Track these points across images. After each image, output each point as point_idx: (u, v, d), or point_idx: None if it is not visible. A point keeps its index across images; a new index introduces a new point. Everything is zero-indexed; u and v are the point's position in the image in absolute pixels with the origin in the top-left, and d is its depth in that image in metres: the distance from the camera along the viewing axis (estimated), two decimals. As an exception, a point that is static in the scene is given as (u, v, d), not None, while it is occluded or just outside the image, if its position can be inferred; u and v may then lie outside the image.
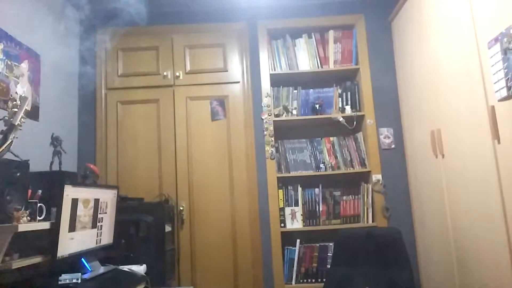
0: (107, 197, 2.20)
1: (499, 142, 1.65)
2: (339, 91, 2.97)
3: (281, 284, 2.69)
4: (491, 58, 1.64)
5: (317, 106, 2.89)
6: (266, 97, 2.91)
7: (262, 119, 2.88)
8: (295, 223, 2.79)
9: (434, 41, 2.21)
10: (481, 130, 1.76)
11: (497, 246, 1.70)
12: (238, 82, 2.95)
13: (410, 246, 2.66)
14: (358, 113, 2.89)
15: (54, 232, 1.72)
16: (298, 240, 2.76)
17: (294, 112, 2.93)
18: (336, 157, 2.87)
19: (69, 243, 1.81)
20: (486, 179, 1.76)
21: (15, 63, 2.16)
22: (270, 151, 2.84)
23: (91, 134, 2.87)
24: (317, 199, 2.82)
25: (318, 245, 2.76)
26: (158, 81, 2.94)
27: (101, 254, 2.15)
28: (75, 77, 2.90)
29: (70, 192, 1.79)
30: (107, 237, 2.20)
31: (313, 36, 2.99)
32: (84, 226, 1.95)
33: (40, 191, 1.81)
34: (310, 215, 2.81)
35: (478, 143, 1.80)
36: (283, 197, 2.82)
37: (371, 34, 2.99)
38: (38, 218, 1.73)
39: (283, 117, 2.88)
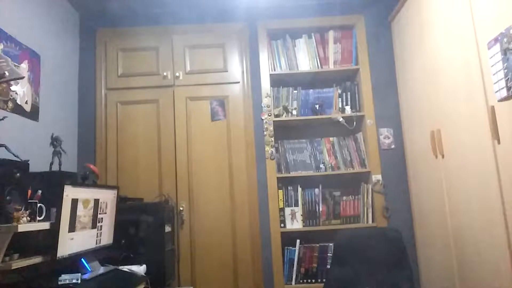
0: (107, 197, 2.20)
1: (499, 142, 1.65)
2: (339, 91, 2.97)
3: (281, 284, 2.69)
4: (491, 58, 1.64)
5: (317, 106, 2.89)
6: (266, 97, 2.91)
7: (262, 119, 2.88)
8: (295, 223, 2.79)
9: (434, 41, 2.21)
10: (481, 130, 1.76)
11: (497, 246, 1.70)
12: (238, 82, 2.95)
13: (410, 246, 2.65)
14: (358, 113, 2.89)
15: (54, 232, 1.72)
16: (298, 240, 2.76)
17: (294, 112, 2.93)
18: (336, 157, 2.87)
19: (69, 243, 1.81)
20: (486, 179, 1.76)
21: (15, 63, 2.16)
22: (270, 151, 2.84)
23: (91, 134, 2.87)
24: (317, 199, 2.82)
25: (318, 245, 2.76)
26: (158, 81, 2.94)
27: (101, 254, 2.16)
28: (75, 77, 2.90)
29: (70, 192, 1.80)
30: (107, 237, 2.20)
31: (313, 37, 2.99)
32: (84, 226, 1.95)
33: (40, 191, 1.81)
34: (310, 215, 2.80)
35: (478, 143, 1.80)
36: (283, 197, 2.82)
37: (371, 34, 2.99)
38: (38, 218, 1.73)
39: (283, 117, 2.88)
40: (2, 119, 1.88)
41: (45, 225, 1.72)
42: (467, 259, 1.97)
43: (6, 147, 1.80)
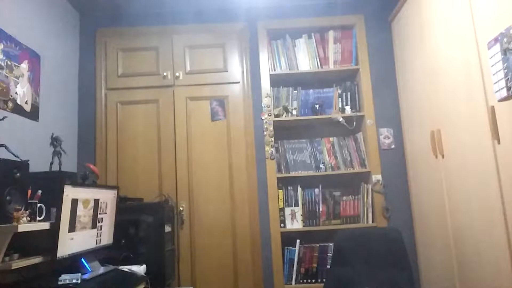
0: (107, 197, 2.20)
1: (499, 142, 1.65)
2: (339, 91, 2.97)
3: (281, 284, 2.69)
4: (491, 58, 1.64)
5: (317, 106, 2.89)
6: (266, 97, 2.91)
7: (262, 119, 2.88)
8: (295, 224, 2.79)
9: (434, 41, 2.21)
10: (481, 130, 1.76)
11: (497, 246, 1.70)
12: (238, 82, 2.95)
13: (410, 246, 2.66)
14: (358, 113, 2.89)
15: (54, 232, 1.72)
16: (298, 240, 2.76)
17: (294, 112, 2.93)
18: (336, 158, 2.87)
19: (69, 243, 1.81)
20: (486, 179, 1.76)
21: (15, 63, 2.16)
22: (270, 151, 2.84)
23: (91, 134, 2.87)
24: (317, 200, 2.82)
25: (318, 245, 2.76)
26: (158, 82, 2.94)
27: (101, 254, 2.16)
28: (75, 77, 2.90)
29: (70, 192, 1.80)
30: (107, 237, 2.20)
31: (313, 37, 2.99)
32: (84, 226, 1.95)
33: (40, 191, 1.81)
34: (310, 215, 2.81)
35: (478, 143, 1.80)
36: (283, 197, 2.82)
37: (371, 34, 2.99)
38: (38, 218, 1.73)
39: (283, 117, 2.88)
40: (2, 119, 1.89)
41: (45, 225, 1.72)
42: (467, 259, 1.97)
43: (6, 147, 1.80)
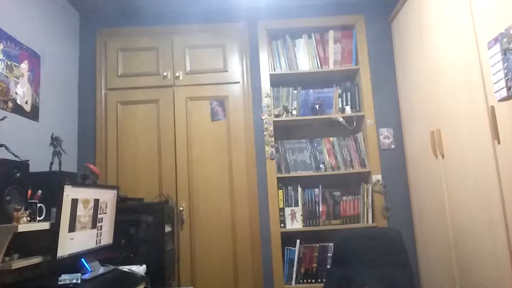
0: (107, 197, 2.20)
1: (499, 142, 1.65)
2: (339, 91, 2.97)
3: (281, 284, 2.69)
4: (491, 59, 1.64)
5: (317, 106, 2.89)
6: (266, 97, 2.91)
7: (262, 119, 2.88)
8: (295, 224, 2.79)
9: (434, 41, 2.21)
10: (481, 130, 1.76)
11: (497, 246, 1.70)
12: (238, 82, 2.95)
13: (410, 246, 2.66)
14: (358, 114, 2.89)
15: (54, 232, 1.72)
16: (298, 241, 2.76)
17: (294, 112, 2.93)
18: (336, 158, 2.87)
19: (69, 243, 1.81)
20: (486, 179, 1.76)
21: (15, 63, 2.16)
22: (270, 151, 2.84)
23: (91, 134, 2.87)
24: (317, 200, 2.82)
25: (318, 245, 2.76)
26: (158, 82, 2.94)
27: (101, 254, 2.16)
28: (75, 77, 2.90)
29: (70, 192, 1.80)
30: (107, 238, 2.20)
31: (313, 37, 2.99)
32: (84, 226, 1.95)
33: (40, 191, 1.81)
34: (310, 216, 2.81)
35: (478, 143, 1.80)
36: (283, 198, 2.82)
37: (371, 34, 2.99)
38: (38, 218, 1.73)
39: (283, 118, 2.88)
40: (2, 119, 1.89)
41: (45, 225, 1.72)
42: (467, 259, 1.97)
43: (6, 147, 1.81)
